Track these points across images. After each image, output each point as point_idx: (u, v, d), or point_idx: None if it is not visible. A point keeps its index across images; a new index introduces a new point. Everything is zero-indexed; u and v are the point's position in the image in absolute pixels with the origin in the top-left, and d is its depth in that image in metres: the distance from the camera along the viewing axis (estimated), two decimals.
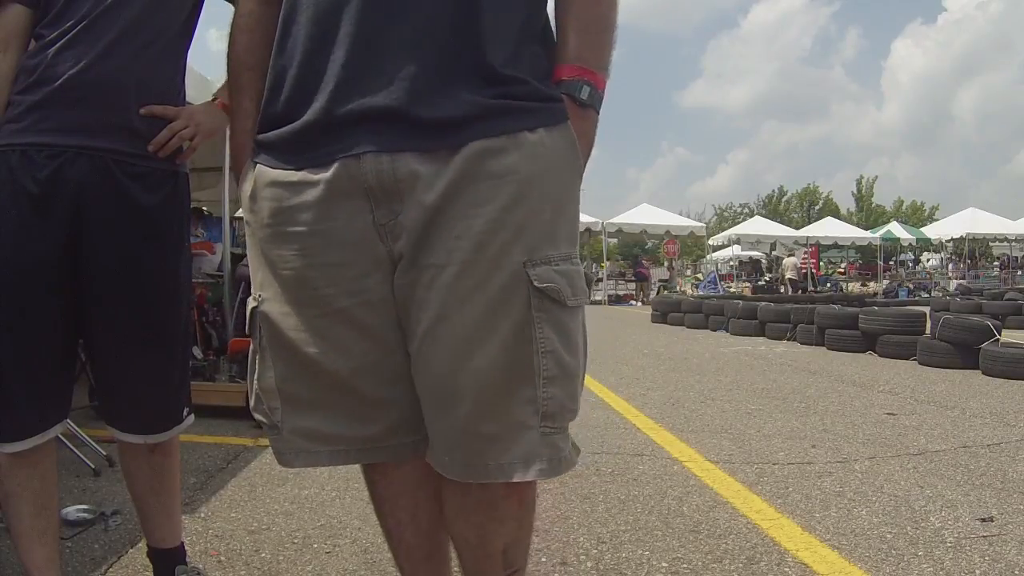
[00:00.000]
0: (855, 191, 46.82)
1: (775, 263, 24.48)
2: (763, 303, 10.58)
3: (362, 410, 1.11)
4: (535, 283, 1.01)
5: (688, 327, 11.38)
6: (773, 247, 24.44)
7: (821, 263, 27.07)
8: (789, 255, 22.26)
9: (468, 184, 1.00)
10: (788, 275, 20.99)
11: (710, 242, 26.01)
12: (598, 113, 1.10)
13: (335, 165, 1.01)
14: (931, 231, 25.69)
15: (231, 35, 1.20)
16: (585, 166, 1.10)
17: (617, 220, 21.05)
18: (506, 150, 1.00)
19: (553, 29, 1.12)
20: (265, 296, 1.11)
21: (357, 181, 1.01)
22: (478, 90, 1.00)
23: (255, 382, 1.14)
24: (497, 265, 1.00)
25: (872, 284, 24.13)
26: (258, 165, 1.10)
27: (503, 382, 1.02)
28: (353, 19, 1.01)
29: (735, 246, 25.40)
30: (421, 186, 1.00)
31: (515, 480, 1.04)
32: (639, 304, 19.34)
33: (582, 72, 1.07)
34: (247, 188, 1.12)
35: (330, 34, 1.02)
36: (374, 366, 1.08)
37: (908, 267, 27.10)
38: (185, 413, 1.64)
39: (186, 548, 1.76)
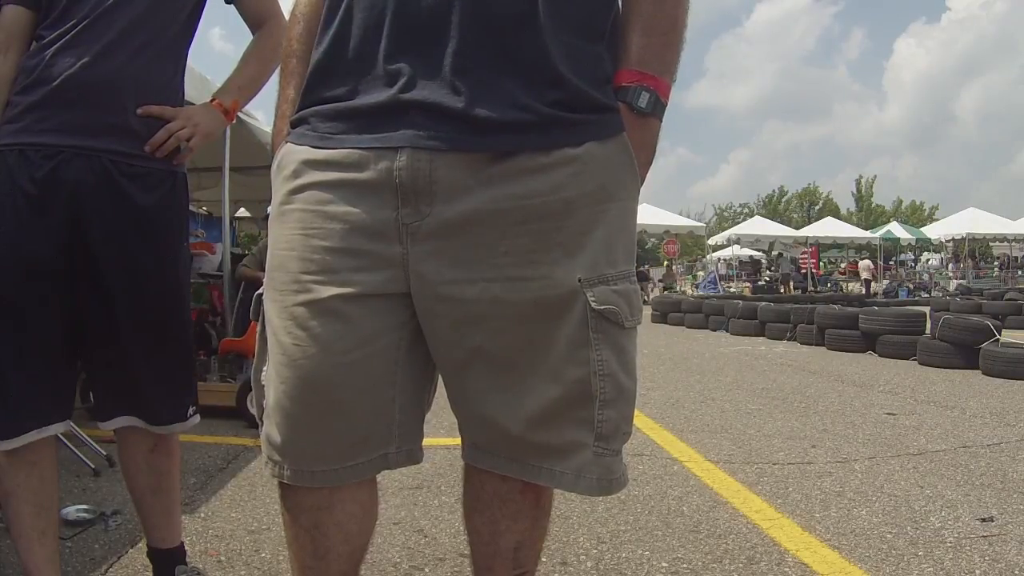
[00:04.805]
0: (855, 191, 46.90)
1: (775, 263, 24.51)
2: (763, 303, 10.59)
3: (329, 420, 1.00)
4: (593, 305, 0.96)
5: (688, 327, 11.38)
6: (772, 246, 24.46)
7: (821, 263, 27.07)
8: (863, 258, 22.67)
9: (512, 200, 0.95)
10: (864, 276, 21.84)
11: (710, 242, 26.01)
12: (661, 121, 1.03)
13: (369, 153, 0.96)
14: (931, 231, 25.69)
15: (288, 22, 1.17)
16: (645, 177, 1.04)
17: None
18: (553, 166, 0.95)
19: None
20: (267, 281, 1.05)
21: (388, 175, 0.95)
22: (532, 91, 0.94)
23: (253, 374, 1.10)
24: (552, 283, 0.96)
25: (872, 284, 24.18)
26: (287, 143, 1.05)
27: (559, 403, 0.99)
28: (401, 3, 0.95)
29: (735, 246, 25.41)
30: (458, 192, 0.95)
31: (563, 489, 1.02)
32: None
33: (642, 78, 1.00)
34: (273, 167, 1.08)
35: (377, 19, 0.97)
36: (351, 367, 0.98)
37: (908, 267, 27.13)
38: (190, 412, 1.63)
39: (186, 548, 1.75)
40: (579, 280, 0.96)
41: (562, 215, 0.96)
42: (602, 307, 0.97)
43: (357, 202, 0.97)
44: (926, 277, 23.69)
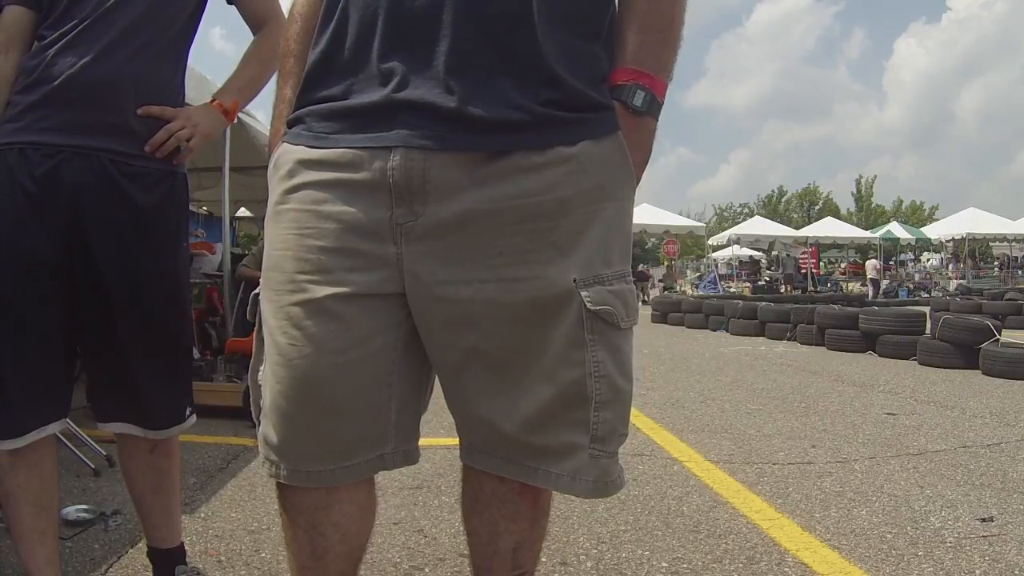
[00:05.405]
0: (855, 191, 46.87)
1: (778, 263, 24.54)
2: (763, 303, 10.60)
3: (324, 420, 1.00)
4: (588, 305, 0.96)
5: (688, 327, 11.39)
6: (772, 246, 24.46)
7: (821, 263, 27.06)
8: (869, 258, 22.75)
9: (507, 200, 0.94)
10: (870, 275, 22.03)
11: (710, 242, 26.02)
12: (656, 120, 1.02)
13: (363, 153, 0.96)
14: (931, 231, 25.66)
15: (287, 21, 1.17)
16: (640, 177, 1.03)
17: None
18: (548, 165, 0.95)
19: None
20: (263, 281, 1.05)
21: (382, 174, 0.95)
22: (526, 90, 0.94)
23: (251, 374, 1.10)
24: (546, 283, 0.95)
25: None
26: (284, 143, 1.05)
27: (554, 405, 0.98)
28: (395, 3, 0.95)
29: (735, 246, 25.43)
30: (452, 192, 0.94)
31: (559, 491, 1.02)
32: (639, 304, 19.44)
33: (638, 76, 0.99)
34: (269, 167, 1.08)
35: (371, 18, 0.97)
36: (346, 367, 0.98)
37: (907, 267, 27.15)
38: (187, 412, 1.63)
39: (186, 548, 1.75)
40: (574, 280, 0.96)
41: (557, 214, 0.96)
42: (597, 307, 0.97)
43: (352, 202, 0.97)
44: (918, 278, 23.76)
